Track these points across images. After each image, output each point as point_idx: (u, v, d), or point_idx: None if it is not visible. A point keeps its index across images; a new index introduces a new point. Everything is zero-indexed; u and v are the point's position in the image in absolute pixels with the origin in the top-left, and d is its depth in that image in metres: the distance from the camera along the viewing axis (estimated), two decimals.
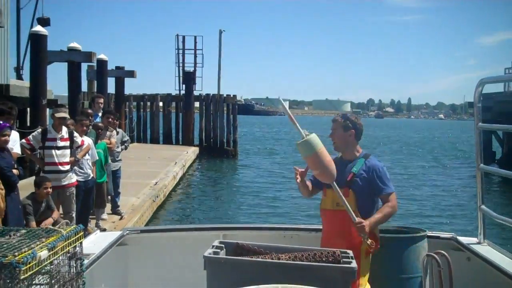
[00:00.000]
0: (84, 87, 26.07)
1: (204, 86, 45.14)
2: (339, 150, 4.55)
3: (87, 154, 8.91)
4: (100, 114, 10.97)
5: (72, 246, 2.69)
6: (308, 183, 4.53)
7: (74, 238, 2.72)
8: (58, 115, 8.31)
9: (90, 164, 9.13)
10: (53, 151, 8.25)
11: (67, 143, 8.39)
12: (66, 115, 8.49)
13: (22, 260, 2.18)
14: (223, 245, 3.71)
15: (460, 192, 21.49)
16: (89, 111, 9.99)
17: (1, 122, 6.84)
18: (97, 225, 9.60)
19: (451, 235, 4.82)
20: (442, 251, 4.07)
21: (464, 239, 4.71)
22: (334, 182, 4.20)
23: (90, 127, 9.55)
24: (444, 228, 13.17)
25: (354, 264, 3.40)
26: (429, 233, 4.66)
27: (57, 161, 8.25)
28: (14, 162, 6.93)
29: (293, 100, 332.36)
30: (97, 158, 9.45)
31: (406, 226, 4.89)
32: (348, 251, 3.68)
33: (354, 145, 4.49)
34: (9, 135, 6.81)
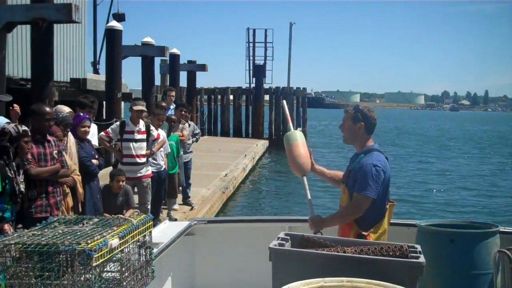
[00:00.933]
0: (157, 80, 26.63)
1: (274, 79, 45.07)
2: (347, 142, 4.43)
3: None
4: (172, 107, 11.19)
5: (142, 235, 2.78)
6: (327, 172, 4.76)
7: (144, 227, 2.82)
8: (136, 108, 8.52)
9: (163, 156, 9.35)
10: (131, 143, 8.47)
11: (144, 136, 8.59)
12: (144, 108, 8.68)
13: (95, 247, 2.27)
14: (288, 237, 3.72)
15: None
16: (163, 104, 10.24)
17: (81, 114, 7.11)
18: (169, 215, 9.84)
19: None
20: None
21: None
22: (304, 177, 4.47)
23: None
24: None
25: (422, 259, 3.34)
26: (502, 229, 4.51)
27: (134, 153, 8.46)
28: (95, 153, 7.19)
29: (364, 92, 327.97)
30: (170, 150, 9.66)
31: (478, 221, 4.76)
32: (417, 246, 3.61)
33: (364, 138, 4.30)
34: (88, 127, 7.07)
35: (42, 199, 5.40)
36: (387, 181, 4.18)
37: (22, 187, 4.85)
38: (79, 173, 6.33)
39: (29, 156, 5.23)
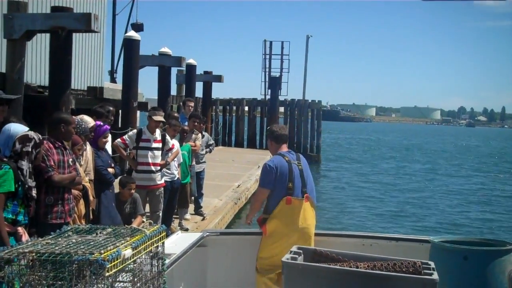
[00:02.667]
0: (173, 90, 26.73)
1: (290, 91, 45.20)
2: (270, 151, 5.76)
3: None
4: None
5: (155, 245, 2.79)
6: None
7: (157, 238, 2.82)
8: (155, 118, 8.59)
9: (177, 165, 9.38)
10: (147, 151, 8.54)
11: (160, 145, 8.66)
12: (163, 118, 8.77)
13: (108, 257, 2.28)
14: (301, 251, 3.72)
15: None
16: (176, 114, 10.27)
17: (103, 124, 7.20)
18: (180, 225, 9.85)
19: None
20: None
21: None
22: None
23: None
24: None
25: (435, 276, 3.33)
26: None
27: (150, 161, 8.51)
28: (111, 161, 7.26)
29: (380, 106, 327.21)
30: (182, 160, 9.69)
31: (492, 239, 4.72)
32: (430, 262, 3.59)
33: (276, 147, 5.59)
34: (108, 137, 7.22)
35: (59, 206, 5.44)
36: (283, 176, 5.23)
37: (34, 192, 4.91)
38: (87, 181, 6.37)
39: (52, 162, 5.32)
